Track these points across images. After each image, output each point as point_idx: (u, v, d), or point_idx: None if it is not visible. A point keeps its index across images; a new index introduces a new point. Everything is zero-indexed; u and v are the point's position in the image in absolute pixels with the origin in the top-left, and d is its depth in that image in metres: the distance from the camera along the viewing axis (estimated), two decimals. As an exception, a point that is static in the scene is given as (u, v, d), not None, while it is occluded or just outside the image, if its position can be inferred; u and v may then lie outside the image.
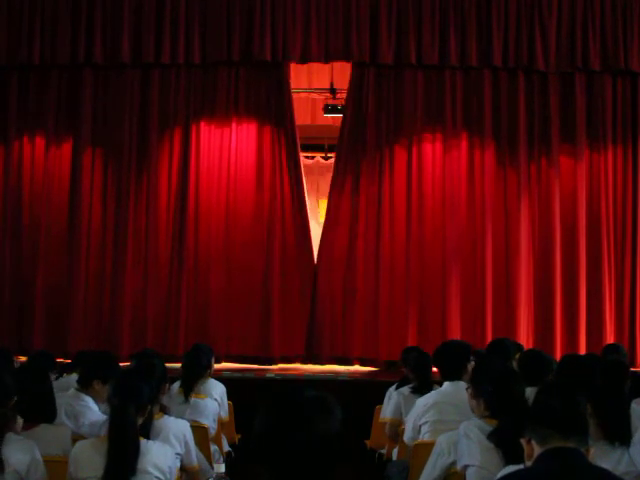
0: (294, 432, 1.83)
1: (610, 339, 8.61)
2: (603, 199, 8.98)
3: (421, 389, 5.22)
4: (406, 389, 5.33)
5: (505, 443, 3.28)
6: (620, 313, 8.92)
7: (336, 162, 9.07)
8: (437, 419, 4.32)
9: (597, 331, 8.80)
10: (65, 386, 5.04)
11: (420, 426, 4.42)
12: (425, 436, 4.37)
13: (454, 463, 3.55)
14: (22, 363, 5.95)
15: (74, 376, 5.21)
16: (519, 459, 2.72)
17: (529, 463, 2.52)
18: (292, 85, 9.70)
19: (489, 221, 8.88)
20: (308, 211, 9.10)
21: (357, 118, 8.94)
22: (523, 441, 2.56)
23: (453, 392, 4.38)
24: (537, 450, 2.49)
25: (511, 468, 2.87)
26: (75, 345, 8.18)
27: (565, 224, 8.95)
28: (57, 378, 5.33)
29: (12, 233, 8.98)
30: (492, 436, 3.36)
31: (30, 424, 3.71)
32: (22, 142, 9.08)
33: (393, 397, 5.38)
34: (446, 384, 4.52)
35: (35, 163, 9.06)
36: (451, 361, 4.58)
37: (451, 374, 4.52)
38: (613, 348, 6.24)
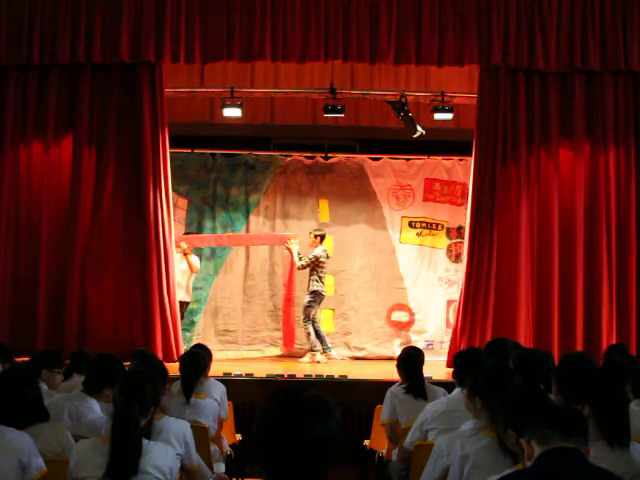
0: (291, 432, 1.84)
1: (610, 339, 8.60)
2: (603, 199, 8.98)
3: (412, 389, 5.22)
4: (399, 390, 5.32)
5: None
6: (622, 312, 8.90)
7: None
8: (447, 427, 4.22)
9: (596, 330, 8.80)
10: (68, 388, 5.04)
11: (427, 431, 4.39)
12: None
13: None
14: (15, 364, 5.93)
15: (76, 377, 5.21)
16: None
17: (529, 463, 2.50)
18: (292, 85, 9.70)
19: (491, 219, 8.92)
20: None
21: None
22: (523, 441, 2.54)
23: (462, 398, 4.31)
24: (537, 450, 2.47)
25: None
26: (70, 345, 8.26)
27: (564, 224, 8.96)
28: (65, 379, 5.33)
29: (12, 231, 8.98)
30: (500, 446, 3.30)
31: (24, 425, 3.70)
32: (21, 142, 9.05)
33: (388, 399, 5.37)
34: (456, 391, 4.50)
35: (34, 163, 9.05)
36: (463, 368, 4.57)
37: (461, 381, 4.49)
38: (616, 348, 6.22)
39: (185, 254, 9.85)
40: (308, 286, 9.89)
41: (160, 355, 8.34)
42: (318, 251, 9.89)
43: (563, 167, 9.07)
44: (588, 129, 9.05)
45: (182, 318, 9.75)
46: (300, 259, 9.91)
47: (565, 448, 2.42)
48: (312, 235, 10.11)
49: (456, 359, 4.81)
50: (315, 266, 9.83)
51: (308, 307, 9.83)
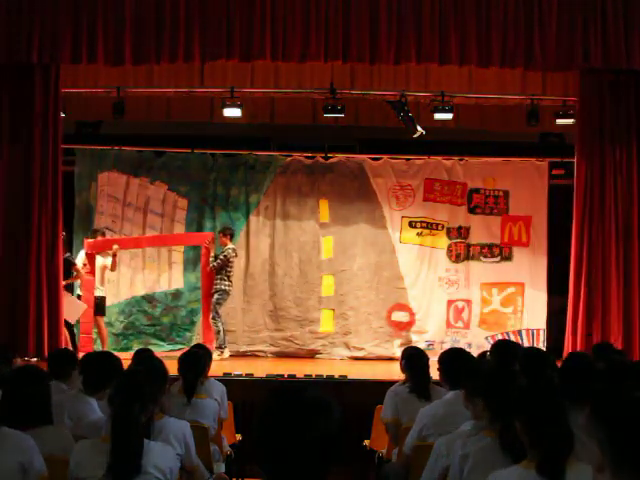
0: (291, 432, 1.83)
1: (617, 338, 8.60)
2: (607, 198, 9.00)
3: (417, 389, 5.21)
4: (403, 389, 5.31)
5: (513, 448, 3.18)
6: (627, 312, 8.90)
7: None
8: (448, 431, 4.20)
9: (605, 330, 8.81)
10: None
11: (426, 437, 4.36)
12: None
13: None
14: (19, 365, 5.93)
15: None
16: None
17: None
18: (292, 85, 9.69)
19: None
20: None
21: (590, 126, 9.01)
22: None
23: (458, 400, 4.27)
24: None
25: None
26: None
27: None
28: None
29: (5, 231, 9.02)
30: (502, 443, 3.26)
31: (27, 427, 3.69)
32: (21, 141, 9.06)
33: (389, 398, 5.36)
34: (450, 393, 4.48)
35: (32, 161, 9.04)
36: (452, 369, 4.56)
37: (453, 382, 4.48)
38: (602, 347, 6.21)
39: (114, 255, 9.99)
40: (215, 284, 10.11)
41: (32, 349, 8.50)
42: (228, 250, 10.14)
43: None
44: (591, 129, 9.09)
45: (104, 312, 9.96)
46: (215, 259, 10.10)
47: None
48: (221, 234, 10.35)
49: (442, 361, 4.79)
50: (225, 265, 10.08)
51: (216, 305, 10.08)
